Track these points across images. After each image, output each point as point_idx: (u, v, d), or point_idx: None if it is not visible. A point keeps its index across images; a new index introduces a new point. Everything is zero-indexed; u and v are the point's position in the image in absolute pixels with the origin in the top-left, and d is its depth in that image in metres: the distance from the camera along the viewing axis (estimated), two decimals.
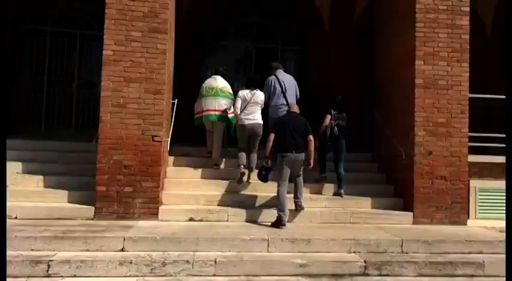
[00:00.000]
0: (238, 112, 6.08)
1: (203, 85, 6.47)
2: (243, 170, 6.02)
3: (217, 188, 6.02)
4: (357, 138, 7.98)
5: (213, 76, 6.54)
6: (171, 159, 6.42)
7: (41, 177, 5.75)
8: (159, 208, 5.34)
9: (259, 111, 6.15)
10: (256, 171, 5.96)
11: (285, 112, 6.05)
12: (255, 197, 5.85)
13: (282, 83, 6.33)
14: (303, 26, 10.76)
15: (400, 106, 6.26)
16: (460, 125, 5.82)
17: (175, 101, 6.50)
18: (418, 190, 5.74)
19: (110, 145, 5.25)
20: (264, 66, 7.95)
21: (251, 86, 6.20)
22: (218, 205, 5.68)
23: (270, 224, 5.26)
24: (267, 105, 6.42)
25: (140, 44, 5.33)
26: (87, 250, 4.17)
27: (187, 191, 5.89)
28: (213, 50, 10.33)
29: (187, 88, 7.47)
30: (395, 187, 6.34)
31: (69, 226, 4.72)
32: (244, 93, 6.14)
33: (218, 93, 6.29)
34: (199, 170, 6.29)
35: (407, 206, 5.91)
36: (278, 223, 5.13)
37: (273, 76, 6.46)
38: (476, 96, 6.25)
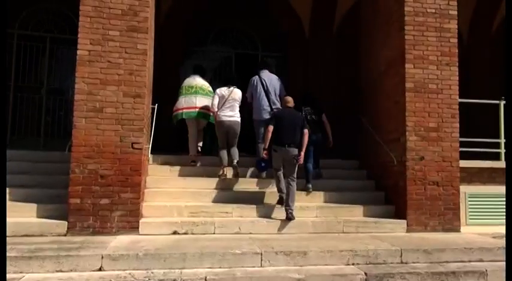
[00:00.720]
0: (216, 109, 5.95)
1: (182, 85, 6.41)
2: (224, 170, 5.92)
3: (201, 199, 5.64)
4: (343, 144, 7.93)
5: (192, 75, 6.48)
6: (151, 168, 6.00)
7: (6, 189, 5.20)
8: (140, 221, 4.90)
9: (238, 109, 6.06)
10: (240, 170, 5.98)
11: (268, 114, 6.01)
12: (243, 207, 5.51)
13: (265, 83, 6.25)
14: (283, 32, 10.63)
15: (389, 111, 6.11)
16: (450, 129, 5.70)
17: (155, 106, 6.12)
18: (410, 196, 5.56)
19: (84, 153, 4.80)
20: (244, 72, 7.86)
21: (228, 83, 6.13)
22: (203, 217, 5.29)
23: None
24: (250, 107, 6.32)
25: (118, 44, 4.94)
26: (60, 271, 3.71)
27: (170, 202, 5.48)
28: (193, 56, 10.02)
29: (166, 94, 7.19)
30: (386, 194, 6.15)
31: (39, 243, 4.22)
32: (221, 90, 6.05)
33: (198, 91, 6.24)
34: (182, 180, 5.89)
35: (399, 214, 5.72)
36: (280, 201, 5.46)
37: (257, 76, 6.35)
38: (466, 101, 6.20)
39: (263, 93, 6.19)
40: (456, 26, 5.82)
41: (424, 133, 5.65)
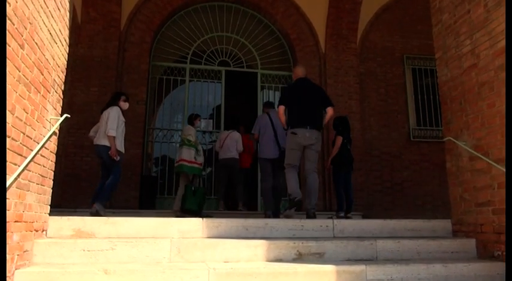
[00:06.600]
0: (219, 151, 6.58)
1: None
2: (221, 204, 6.46)
3: None
4: (396, 198, 5.52)
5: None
6: (46, 246, 2.77)
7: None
8: None
9: (234, 148, 6.47)
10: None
11: (276, 154, 5.38)
12: None
13: (273, 121, 5.48)
14: (290, 46, 8.08)
15: None
16: None
17: (63, 117, 3.06)
18: None
19: None
20: (238, 95, 6.92)
21: (230, 127, 6.72)
22: None
23: None
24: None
25: None
26: None
27: None
28: (167, 72, 7.57)
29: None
30: None
31: None
32: (222, 134, 6.66)
33: (185, 142, 6.14)
34: (105, 277, 2.61)
35: None
36: (292, 204, 4.38)
37: (265, 115, 5.69)
38: None
39: (272, 135, 5.49)
40: None
41: None
